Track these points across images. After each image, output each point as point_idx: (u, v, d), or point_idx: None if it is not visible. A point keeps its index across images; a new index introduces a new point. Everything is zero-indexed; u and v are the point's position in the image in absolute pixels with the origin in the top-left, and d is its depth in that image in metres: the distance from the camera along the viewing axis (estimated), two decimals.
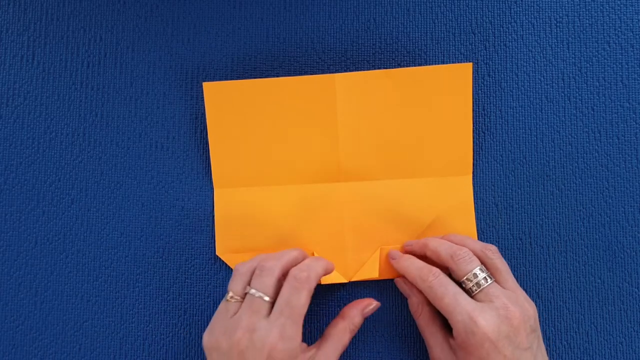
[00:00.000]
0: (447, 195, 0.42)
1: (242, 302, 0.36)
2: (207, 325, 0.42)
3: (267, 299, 0.35)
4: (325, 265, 0.38)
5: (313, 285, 0.35)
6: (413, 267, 0.38)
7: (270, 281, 0.35)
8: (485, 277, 0.36)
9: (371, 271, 0.41)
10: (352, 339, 0.42)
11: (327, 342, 0.37)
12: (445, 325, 0.38)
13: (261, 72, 0.44)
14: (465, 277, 0.36)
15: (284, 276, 0.37)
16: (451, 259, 0.37)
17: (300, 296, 0.35)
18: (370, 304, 0.39)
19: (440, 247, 0.38)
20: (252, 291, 0.35)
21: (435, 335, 0.38)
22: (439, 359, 0.37)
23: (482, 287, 0.36)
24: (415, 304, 0.39)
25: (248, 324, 0.34)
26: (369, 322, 0.42)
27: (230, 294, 0.36)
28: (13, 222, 0.44)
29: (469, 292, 0.36)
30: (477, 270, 0.36)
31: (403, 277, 0.41)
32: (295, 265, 0.37)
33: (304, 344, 0.36)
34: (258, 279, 0.36)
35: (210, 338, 0.35)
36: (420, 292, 0.40)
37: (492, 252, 0.38)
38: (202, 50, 0.44)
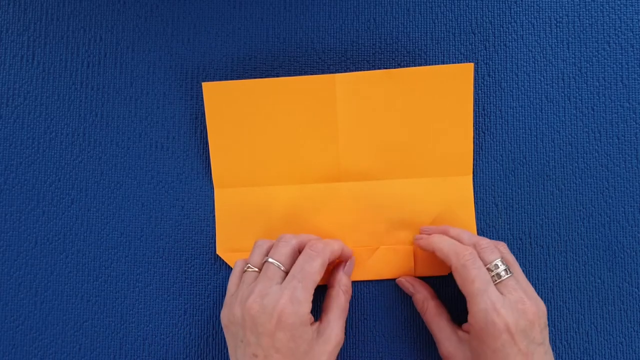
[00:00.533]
0: (447, 195, 0.42)
1: (259, 272, 0.37)
2: (207, 325, 0.42)
3: (282, 267, 0.36)
4: (342, 246, 0.39)
5: (327, 256, 0.36)
6: (446, 242, 0.38)
7: (286, 250, 0.37)
8: (505, 269, 0.36)
9: (371, 271, 0.41)
10: (352, 338, 0.42)
11: (327, 311, 0.37)
12: (452, 318, 0.38)
13: (261, 72, 0.44)
14: (487, 266, 0.36)
15: (300, 252, 0.38)
16: (474, 247, 0.37)
17: (313, 263, 0.36)
18: (346, 261, 0.40)
19: (462, 234, 0.38)
20: (270, 260, 0.36)
21: (444, 329, 0.38)
22: (448, 352, 0.37)
23: (502, 279, 0.35)
24: (420, 300, 0.39)
25: (261, 290, 0.35)
26: (369, 322, 0.42)
27: (249, 264, 0.37)
28: (13, 222, 0.44)
29: None
30: (498, 262, 0.36)
31: (405, 276, 0.41)
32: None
33: (312, 316, 0.36)
34: (275, 249, 0.37)
35: (226, 312, 0.36)
36: (424, 288, 0.40)
37: (504, 247, 0.38)
38: (202, 50, 0.44)
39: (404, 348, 0.41)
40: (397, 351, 0.41)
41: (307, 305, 0.35)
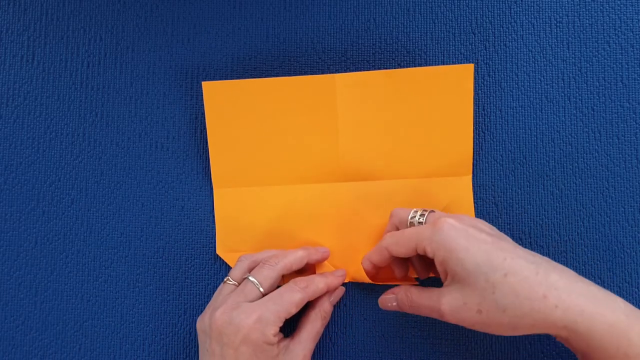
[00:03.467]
0: (447, 195, 0.42)
1: (237, 286, 0.37)
2: None
3: (261, 289, 0.37)
4: (329, 282, 0.39)
5: (309, 295, 0.37)
6: (370, 252, 0.38)
7: (269, 274, 0.37)
8: (424, 209, 0.37)
9: None
10: (352, 338, 0.42)
11: (300, 330, 0.38)
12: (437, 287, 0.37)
13: (261, 72, 0.44)
14: (410, 218, 0.37)
15: (282, 278, 0.38)
16: (390, 219, 0.39)
17: (294, 295, 0.36)
18: (335, 289, 0.40)
19: (385, 238, 0.38)
20: (250, 278, 0.37)
21: (433, 294, 0.34)
22: (452, 308, 0.33)
23: (426, 215, 0.37)
24: (402, 297, 0.37)
25: (232, 303, 0.35)
26: (369, 322, 0.42)
27: (229, 277, 0.38)
28: (13, 222, 0.44)
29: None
30: (412, 212, 0.37)
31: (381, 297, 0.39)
32: (300, 265, 0.39)
33: (280, 334, 0.37)
34: (259, 269, 0.37)
35: (199, 320, 0.37)
36: (399, 288, 0.38)
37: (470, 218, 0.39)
38: (202, 50, 0.44)
39: (404, 348, 0.41)
40: (397, 351, 0.41)
41: (275, 329, 0.35)
